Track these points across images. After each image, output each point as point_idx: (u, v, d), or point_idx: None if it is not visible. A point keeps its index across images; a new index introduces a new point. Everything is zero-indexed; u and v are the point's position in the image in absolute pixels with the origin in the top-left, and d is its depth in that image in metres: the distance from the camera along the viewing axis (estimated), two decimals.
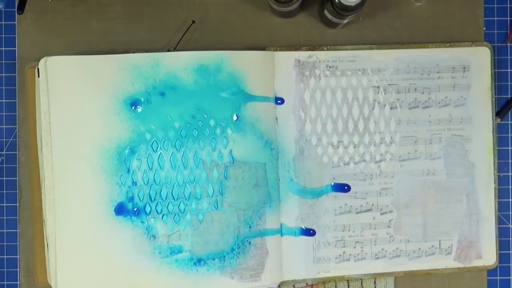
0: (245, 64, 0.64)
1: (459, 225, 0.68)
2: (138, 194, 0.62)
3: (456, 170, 0.68)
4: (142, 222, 0.62)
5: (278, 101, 0.66)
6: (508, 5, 0.71)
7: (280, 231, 0.66)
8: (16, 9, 0.66)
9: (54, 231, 0.61)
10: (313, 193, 0.66)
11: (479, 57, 0.68)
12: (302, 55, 0.67)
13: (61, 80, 0.62)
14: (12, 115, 0.68)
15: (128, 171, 0.62)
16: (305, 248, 0.66)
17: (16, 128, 0.67)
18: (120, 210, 0.62)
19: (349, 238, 0.67)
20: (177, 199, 0.63)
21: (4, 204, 0.68)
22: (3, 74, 0.68)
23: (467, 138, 0.68)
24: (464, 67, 0.68)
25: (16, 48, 0.68)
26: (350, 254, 0.67)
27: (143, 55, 0.63)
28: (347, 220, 0.67)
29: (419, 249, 0.68)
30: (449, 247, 0.68)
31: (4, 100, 0.68)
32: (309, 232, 0.66)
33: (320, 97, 0.67)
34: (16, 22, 0.68)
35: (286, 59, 0.66)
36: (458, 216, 0.68)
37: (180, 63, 0.63)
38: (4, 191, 0.68)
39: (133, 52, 0.65)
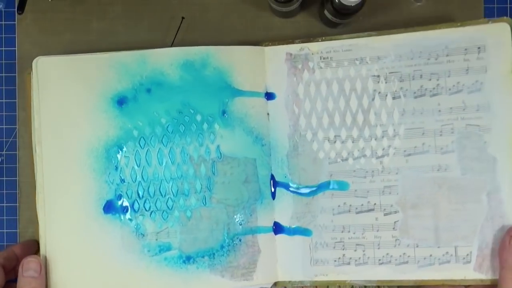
0: (232, 59, 0.63)
1: (479, 229, 0.60)
2: (126, 192, 0.62)
3: (473, 165, 0.60)
4: (131, 220, 0.62)
5: (269, 96, 0.64)
6: (508, 5, 0.68)
7: (273, 229, 0.64)
8: (16, 9, 0.67)
9: (45, 231, 0.62)
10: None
11: (497, 35, 0.60)
12: (293, 48, 0.64)
13: (50, 80, 0.62)
14: (12, 115, 0.68)
15: (116, 168, 0.62)
16: (302, 248, 0.63)
17: (16, 128, 0.68)
18: (108, 208, 0.62)
19: (349, 240, 0.62)
20: (164, 195, 0.62)
21: (4, 204, 0.68)
22: (3, 74, 0.68)
23: (485, 128, 0.60)
24: (479, 48, 0.60)
25: (16, 48, 0.68)
26: (351, 258, 0.62)
27: (130, 53, 0.63)
28: (346, 220, 0.62)
29: (431, 255, 0.60)
30: (467, 254, 0.60)
31: (4, 100, 0.68)
32: (305, 231, 0.63)
33: (315, 90, 0.64)
34: (16, 22, 0.69)
35: (276, 53, 0.64)
36: (478, 219, 0.60)
37: (166, 60, 0.63)
38: (4, 191, 0.68)
39: None
